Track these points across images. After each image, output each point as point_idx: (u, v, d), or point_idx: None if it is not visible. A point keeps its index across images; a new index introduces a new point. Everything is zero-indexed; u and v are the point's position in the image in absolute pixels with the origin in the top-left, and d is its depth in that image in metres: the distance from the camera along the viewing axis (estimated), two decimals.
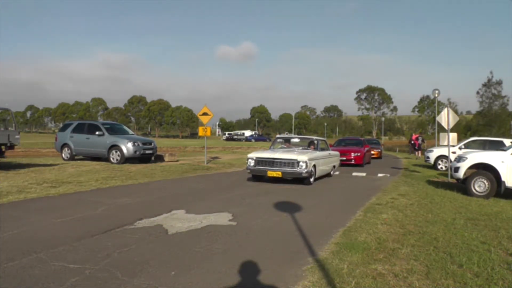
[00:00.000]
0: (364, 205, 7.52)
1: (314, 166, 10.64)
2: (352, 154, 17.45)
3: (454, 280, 3.63)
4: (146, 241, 4.67)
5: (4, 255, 3.99)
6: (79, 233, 4.92)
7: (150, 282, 3.43)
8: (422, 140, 29.11)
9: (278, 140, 13.63)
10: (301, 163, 10.02)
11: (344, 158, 16.78)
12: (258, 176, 10.93)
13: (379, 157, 24.53)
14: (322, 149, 12.31)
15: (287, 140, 13.12)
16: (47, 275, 3.52)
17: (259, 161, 10.60)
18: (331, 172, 12.92)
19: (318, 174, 11.07)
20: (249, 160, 10.75)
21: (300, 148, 12.15)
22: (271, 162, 10.43)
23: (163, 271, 3.72)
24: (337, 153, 14.09)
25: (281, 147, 12.35)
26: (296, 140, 13.52)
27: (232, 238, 4.97)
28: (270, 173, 10.28)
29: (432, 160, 17.87)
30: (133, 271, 3.69)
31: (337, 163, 13.68)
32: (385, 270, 3.86)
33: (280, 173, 10.16)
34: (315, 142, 12.26)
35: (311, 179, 10.54)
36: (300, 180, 10.42)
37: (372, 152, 22.94)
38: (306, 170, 10.00)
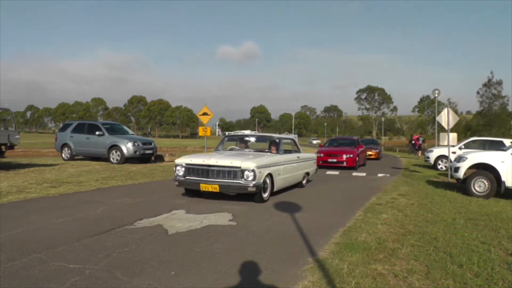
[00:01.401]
0: (364, 205, 7.53)
1: (270, 175, 7.72)
2: (344, 155, 15.88)
3: (454, 280, 3.63)
4: (146, 241, 4.67)
5: (4, 255, 3.99)
6: (79, 233, 4.92)
7: (150, 282, 3.43)
8: (423, 141, 29.17)
9: (228, 139, 10.25)
10: (246, 173, 7.07)
11: (335, 160, 15.79)
12: (191, 190, 7.97)
13: (377, 158, 23.24)
14: (289, 151, 9.62)
15: (241, 140, 9.80)
16: (47, 275, 3.52)
17: (189, 169, 7.60)
18: (303, 181, 10.03)
19: (278, 186, 8.21)
20: (177, 167, 7.73)
21: (257, 150, 9.19)
22: (205, 171, 7.40)
23: (163, 271, 3.72)
24: (312, 155, 11.10)
25: (231, 149, 9.30)
26: (253, 139, 10.02)
27: (232, 238, 4.97)
28: (204, 187, 7.28)
29: (432, 160, 17.87)
30: (133, 271, 3.69)
31: (311, 169, 10.67)
32: (385, 270, 3.87)
33: (217, 186, 7.16)
34: (277, 141, 9.05)
35: (265, 195, 7.56)
36: (249, 195, 7.46)
37: (370, 152, 22.12)
38: (254, 182, 7.06)
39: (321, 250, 4.49)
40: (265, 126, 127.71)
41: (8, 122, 13.84)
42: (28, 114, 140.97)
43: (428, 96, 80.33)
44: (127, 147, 14.76)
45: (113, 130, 16.16)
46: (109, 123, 17.41)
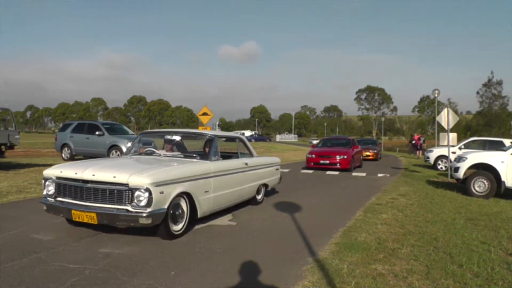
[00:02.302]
0: (364, 205, 7.53)
1: (188, 196, 5.05)
2: (338, 157, 14.73)
3: (454, 280, 3.64)
4: (146, 241, 4.67)
5: (4, 255, 4.00)
6: (79, 233, 4.92)
7: (150, 282, 3.43)
8: (423, 141, 29.30)
9: (144, 137, 7.49)
10: (137, 193, 4.42)
11: (328, 162, 14.74)
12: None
13: (375, 159, 22.07)
14: (234, 155, 7.24)
15: (167, 140, 6.73)
16: (47, 275, 3.52)
17: (61, 186, 4.91)
18: (258, 196, 7.43)
19: (205, 209, 5.46)
20: (46, 182, 5.05)
21: (189, 153, 6.27)
22: (78, 189, 4.73)
23: (163, 271, 3.73)
24: (272, 160, 8.27)
25: (148, 152, 6.39)
26: (178, 137, 6.72)
27: (232, 238, 4.97)
28: (77, 215, 4.59)
29: (432, 160, 17.88)
30: (133, 271, 3.69)
31: (271, 179, 7.95)
32: (385, 270, 3.87)
33: (93, 215, 4.48)
34: (210, 140, 6.27)
35: (176, 227, 4.92)
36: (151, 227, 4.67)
37: (367, 153, 21.39)
38: (149, 209, 4.40)
39: (321, 250, 4.49)
40: (265, 126, 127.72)
41: (8, 122, 13.85)
42: (28, 114, 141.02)
43: (428, 96, 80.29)
44: (127, 147, 14.75)
45: (113, 130, 16.17)
46: (109, 123, 17.41)
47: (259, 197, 7.51)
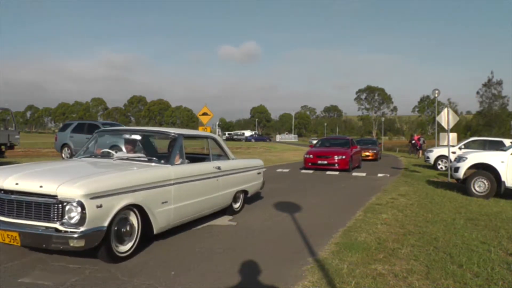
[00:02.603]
0: (364, 205, 7.53)
1: (139, 209, 4.16)
2: (336, 157, 14.48)
3: (454, 280, 3.64)
4: (146, 241, 4.67)
5: (4, 255, 4.00)
6: None
7: (150, 282, 3.44)
8: (423, 141, 29.36)
9: (100, 136, 6.22)
10: (68, 207, 3.52)
11: (326, 162, 14.57)
12: None
13: (374, 159, 21.82)
14: (206, 157, 6.29)
15: (126, 140, 6.00)
16: (47, 275, 3.52)
17: None
18: (236, 205, 6.52)
19: (163, 224, 4.53)
20: None
21: (153, 155, 5.52)
22: None
23: (163, 271, 3.73)
24: (252, 163, 7.22)
25: (104, 154, 5.39)
26: (137, 137, 6.02)
27: (232, 238, 4.98)
28: None
29: (432, 160, 17.88)
30: (133, 271, 3.70)
31: (251, 185, 6.99)
32: (385, 270, 3.87)
33: (16, 235, 3.54)
34: (175, 139, 5.32)
35: (123, 247, 4.04)
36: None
37: (367, 153, 21.23)
38: (82, 228, 3.50)
39: (321, 250, 4.49)
40: (265, 126, 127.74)
41: (8, 122, 13.88)
42: (28, 114, 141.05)
43: (428, 96, 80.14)
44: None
45: None
46: (109, 123, 17.40)
47: (236, 205, 6.55)
